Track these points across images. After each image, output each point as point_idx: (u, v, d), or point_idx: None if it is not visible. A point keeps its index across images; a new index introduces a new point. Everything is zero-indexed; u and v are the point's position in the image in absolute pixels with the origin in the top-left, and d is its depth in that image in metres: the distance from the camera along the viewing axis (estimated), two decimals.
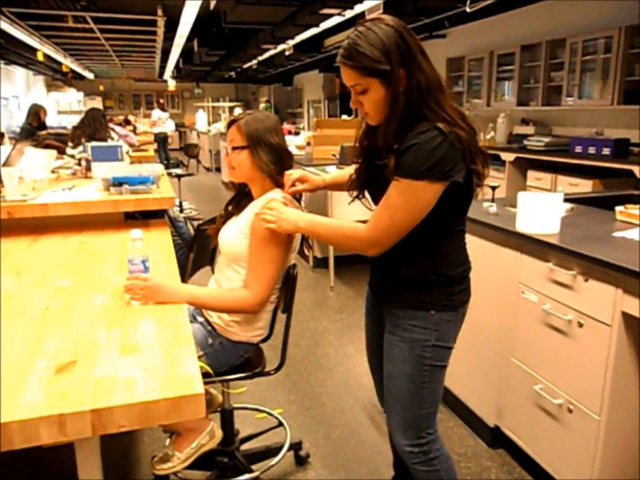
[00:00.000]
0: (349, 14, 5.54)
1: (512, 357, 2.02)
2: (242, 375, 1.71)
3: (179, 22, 6.56)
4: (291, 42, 7.79)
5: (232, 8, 5.80)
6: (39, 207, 2.34)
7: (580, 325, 1.69)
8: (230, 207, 1.83)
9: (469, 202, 1.37)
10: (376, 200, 1.40)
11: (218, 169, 11.20)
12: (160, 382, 1.08)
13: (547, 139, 5.43)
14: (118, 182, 2.52)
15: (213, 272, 1.90)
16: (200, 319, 1.75)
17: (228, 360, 1.70)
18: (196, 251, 2.54)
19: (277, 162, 1.67)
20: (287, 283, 1.74)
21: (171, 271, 1.78)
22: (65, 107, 13.71)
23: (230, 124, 1.68)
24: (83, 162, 3.31)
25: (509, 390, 2.07)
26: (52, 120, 12.66)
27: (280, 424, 2.22)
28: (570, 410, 1.75)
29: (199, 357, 1.65)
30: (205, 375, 1.70)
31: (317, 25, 6.44)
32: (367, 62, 1.23)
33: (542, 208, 1.85)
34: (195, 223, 2.94)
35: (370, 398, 2.55)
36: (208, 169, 12.15)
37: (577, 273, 1.68)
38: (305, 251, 4.82)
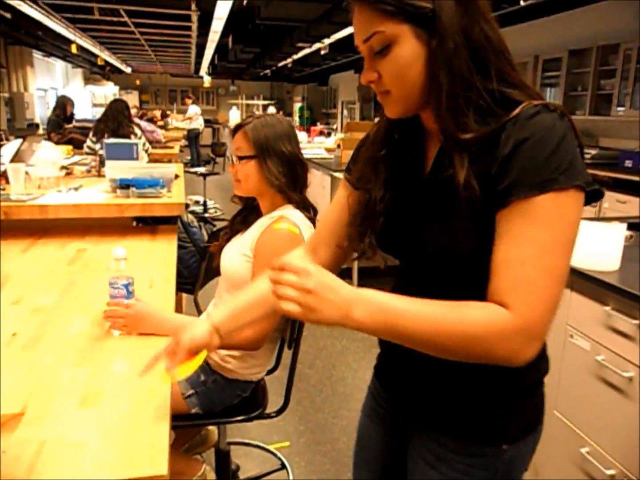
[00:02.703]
0: None
1: (555, 409, 1.74)
2: (238, 418, 1.48)
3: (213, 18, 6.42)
4: (327, 41, 7.60)
5: (265, 3, 5.62)
6: (37, 209, 2.17)
7: None
8: (236, 223, 1.61)
9: None
10: (410, 258, 0.92)
11: None
12: (115, 452, 0.86)
13: (593, 152, 5.13)
14: (125, 184, 2.33)
15: None
16: None
17: (222, 400, 1.47)
18: (209, 259, 2.37)
19: (288, 175, 1.44)
20: None
21: (167, 293, 1.57)
22: (100, 100, 13.79)
23: (235, 130, 1.45)
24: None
25: (549, 447, 1.78)
26: (87, 112, 12.79)
27: (283, 467, 1.99)
28: None
29: (189, 396, 1.44)
30: (195, 416, 1.50)
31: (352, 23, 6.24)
32: None
33: (599, 240, 1.57)
34: (218, 224, 2.73)
35: None
36: None
37: None
38: None
